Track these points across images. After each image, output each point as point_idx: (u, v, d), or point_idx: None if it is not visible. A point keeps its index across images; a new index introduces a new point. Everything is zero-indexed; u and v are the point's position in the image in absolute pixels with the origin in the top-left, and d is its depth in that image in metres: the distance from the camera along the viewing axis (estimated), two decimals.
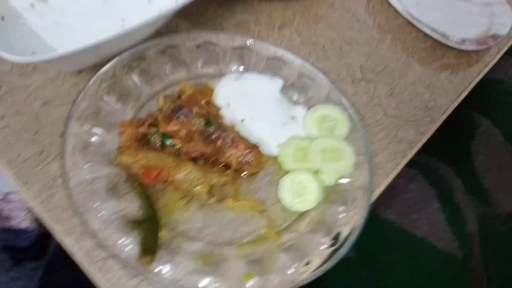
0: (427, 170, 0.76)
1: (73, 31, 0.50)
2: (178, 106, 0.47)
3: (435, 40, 0.71)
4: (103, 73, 0.49)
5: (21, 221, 1.11)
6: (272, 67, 0.58)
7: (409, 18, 0.73)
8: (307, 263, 0.44)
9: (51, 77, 0.51)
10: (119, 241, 0.41)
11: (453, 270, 0.67)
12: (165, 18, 0.49)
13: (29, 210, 1.13)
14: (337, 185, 0.50)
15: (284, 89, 0.57)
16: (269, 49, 0.58)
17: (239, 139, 0.47)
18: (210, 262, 0.42)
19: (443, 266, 0.68)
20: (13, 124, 0.47)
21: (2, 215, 1.11)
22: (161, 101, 0.49)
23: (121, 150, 0.44)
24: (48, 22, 0.50)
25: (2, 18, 0.48)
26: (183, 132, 0.46)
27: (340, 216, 0.49)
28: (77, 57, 0.45)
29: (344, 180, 0.51)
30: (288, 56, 0.58)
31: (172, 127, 0.46)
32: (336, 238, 0.47)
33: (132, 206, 0.44)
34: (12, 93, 0.49)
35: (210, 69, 0.57)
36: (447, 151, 0.80)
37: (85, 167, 0.44)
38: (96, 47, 0.43)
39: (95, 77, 0.47)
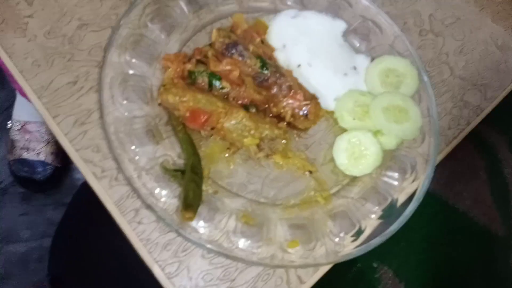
0: (476, 137, 0.70)
1: None
2: (233, 42, 0.41)
3: None
4: None
5: (39, 153, 1.08)
6: (333, 6, 0.51)
7: None
8: (358, 233, 0.40)
9: None
10: (156, 191, 0.37)
11: (492, 248, 0.64)
12: None
13: (47, 142, 1.10)
14: (396, 149, 0.45)
15: (346, 35, 0.50)
16: None
17: (297, 87, 0.42)
18: (253, 223, 0.38)
19: (482, 242, 0.64)
20: (45, 47, 0.41)
21: (20, 145, 1.08)
22: (214, 34, 0.42)
23: (166, 87, 0.39)
24: None
25: None
26: (235, 74, 0.40)
27: (395, 184, 0.44)
28: None
29: (404, 144, 0.45)
30: None
31: (224, 66, 0.40)
32: (389, 208, 0.43)
33: (172, 152, 0.40)
34: (45, 9, 0.43)
35: (265, 3, 0.50)
36: (500, 119, 0.73)
37: (123, 103, 0.39)
38: None
39: (142, 2, 0.41)
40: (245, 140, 0.39)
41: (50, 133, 1.10)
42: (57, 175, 1.13)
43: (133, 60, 0.41)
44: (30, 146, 1.08)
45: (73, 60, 0.42)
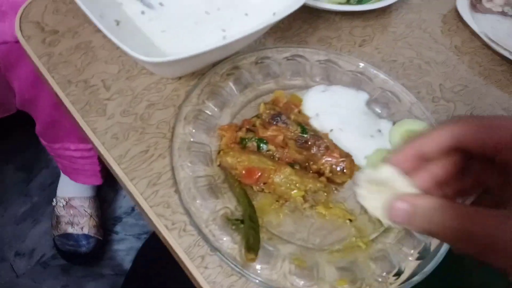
0: None
1: (179, 37, 0.53)
2: (277, 113, 0.49)
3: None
4: (205, 79, 0.52)
5: (82, 227, 1.16)
6: (356, 81, 0.59)
7: (486, 40, 0.73)
8: (398, 273, 0.45)
9: (154, 82, 0.54)
10: (220, 237, 0.43)
11: None
12: (263, 31, 0.51)
13: (90, 216, 1.18)
14: None
15: (368, 104, 0.58)
16: (353, 63, 0.60)
17: (333, 147, 0.49)
18: (304, 265, 0.43)
19: None
20: (121, 123, 0.50)
21: (65, 220, 1.16)
22: (262, 107, 0.51)
23: (225, 151, 0.46)
24: (157, 28, 0.53)
25: (117, 23, 0.52)
26: (280, 138, 0.48)
27: None
28: (184, 63, 0.48)
29: None
30: (371, 70, 0.60)
31: (271, 132, 0.48)
32: (424, 251, 0.47)
33: (230, 205, 0.46)
34: (119, 94, 0.52)
35: (297, 81, 0.59)
36: None
37: (188, 165, 0.46)
38: (201, 55, 0.46)
39: (200, 84, 0.51)
40: (292, 192, 0.46)
41: (92, 208, 1.18)
42: (99, 247, 1.19)
43: (194, 131, 0.49)
44: (74, 220, 1.15)
45: (144, 133, 0.50)
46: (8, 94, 1.02)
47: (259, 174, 0.45)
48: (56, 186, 1.23)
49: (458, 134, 0.26)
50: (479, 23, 0.77)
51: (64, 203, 1.18)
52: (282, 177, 0.45)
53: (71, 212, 1.17)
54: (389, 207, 0.28)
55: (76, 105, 0.51)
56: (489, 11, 0.81)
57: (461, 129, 0.26)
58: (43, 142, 1.08)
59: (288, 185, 0.45)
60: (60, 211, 1.17)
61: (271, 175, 0.45)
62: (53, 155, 1.12)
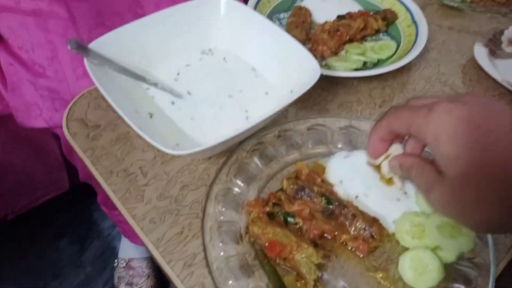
0: None
1: (206, 123, 0.58)
2: (300, 187, 0.52)
3: None
4: (232, 157, 0.55)
5: (141, 287, 1.22)
6: None
7: (509, 87, 0.73)
8: None
9: (186, 164, 0.58)
10: None
11: None
12: (282, 110, 0.55)
13: (148, 277, 1.24)
14: (457, 262, 0.50)
15: None
16: None
17: (359, 214, 0.50)
18: None
19: None
20: (158, 207, 0.54)
21: (125, 281, 1.23)
22: (285, 183, 0.54)
23: (253, 220, 0.49)
24: (186, 116, 0.58)
25: (151, 115, 0.57)
26: (306, 212, 0.50)
27: None
28: (212, 148, 0.52)
29: (464, 256, 0.51)
30: None
31: (297, 207, 0.50)
32: None
33: (261, 283, 0.48)
34: (155, 179, 0.57)
35: (320, 149, 0.62)
36: None
37: (219, 245, 0.49)
38: (228, 140, 0.50)
39: (228, 162, 0.54)
40: (307, 274, 0.47)
41: (150, 268, 1.25)
42: None
43: (224, 209, 0.52)
44: (134, 281, 1.22)
45: (179, 215, 0.54)
46: (62, 174, 1.12)
47: (281, 248, 0.47)
48: (107, 256, 1.31)
49: (390, 126, 0.41)
50: (501, 69, 0.77)
51: (124, 264, 1.26)
52: (303, 256, 0.47)
53: (130, 273, 1.24)
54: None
55: (117, 193, 0.55)
56: (509, 56, 0.82)
57: (390, 123, 0.41)
58: (105, 209, 1.18)
59: (308, 266, 0.47)
60: (121, 272, 1.25)
61: (293, 251, 0.47)
62: (115, 221, 1.21)
